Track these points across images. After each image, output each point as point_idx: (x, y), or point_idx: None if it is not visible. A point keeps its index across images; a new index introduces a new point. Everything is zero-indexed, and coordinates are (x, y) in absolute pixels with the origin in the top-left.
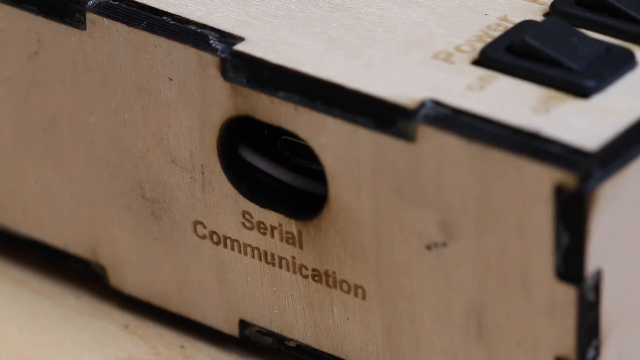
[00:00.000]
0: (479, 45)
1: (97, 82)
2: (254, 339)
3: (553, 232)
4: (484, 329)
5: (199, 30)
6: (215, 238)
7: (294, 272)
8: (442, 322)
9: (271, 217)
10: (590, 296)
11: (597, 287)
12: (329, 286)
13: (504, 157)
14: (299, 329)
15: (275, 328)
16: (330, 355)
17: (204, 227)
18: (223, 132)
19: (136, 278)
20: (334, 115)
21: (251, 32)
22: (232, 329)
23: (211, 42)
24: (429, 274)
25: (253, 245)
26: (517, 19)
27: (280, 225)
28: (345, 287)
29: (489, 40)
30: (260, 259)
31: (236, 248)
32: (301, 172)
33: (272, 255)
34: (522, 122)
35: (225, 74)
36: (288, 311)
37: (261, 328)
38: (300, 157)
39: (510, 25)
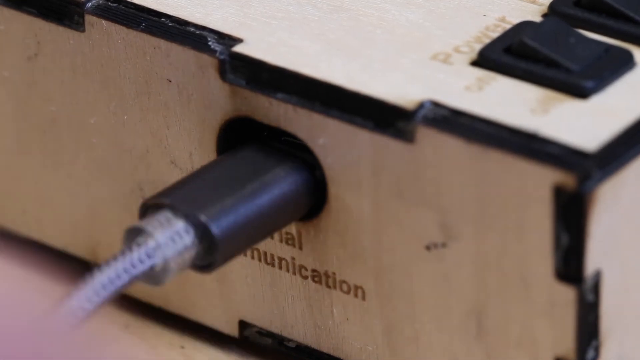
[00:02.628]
0: (478, 46)
1: (96, 83)
2: (254, 340)
3: (552, 232)
4: (483, 330)
5: (197, 32)
6: None
7: (294, 273)
8: (442, 323)
9: None
10: (590, 297)
11: (596, 288)
12: (328, 287)
13: (503, 158)
14: (298, 329)
15: (275, 329)
16: (330, 355)
17: None
18: (222, 133)
19: None
20: (333, 116)
21: (250, 33)
22: (232, 330)
23: (210, 43)
24: (429, 275)
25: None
26: (516, 19)
27: None
28: (345, 287)
29: (487, 41)
30: (259, 260)
31: None
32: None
33: (272, 256)
34: (521, 122)
35: (224, 76)
36: (288, 312)
37: (261, 328)
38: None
39: (508, 26)
